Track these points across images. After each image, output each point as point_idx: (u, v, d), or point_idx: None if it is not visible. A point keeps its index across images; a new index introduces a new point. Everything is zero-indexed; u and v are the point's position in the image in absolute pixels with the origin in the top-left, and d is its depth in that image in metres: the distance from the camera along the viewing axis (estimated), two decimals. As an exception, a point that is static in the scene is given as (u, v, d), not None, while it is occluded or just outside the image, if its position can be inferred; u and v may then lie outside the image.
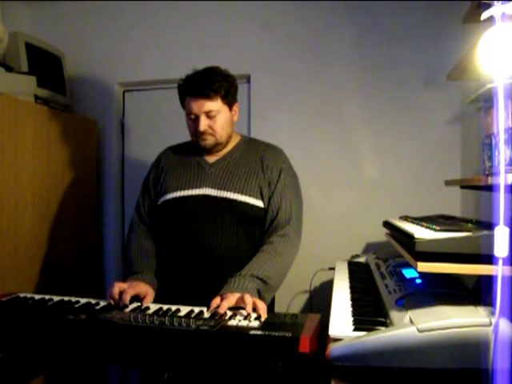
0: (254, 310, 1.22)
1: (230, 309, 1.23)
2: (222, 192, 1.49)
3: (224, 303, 1.22)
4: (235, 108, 1.56)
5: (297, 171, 2.38)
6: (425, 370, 0.91)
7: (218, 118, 1.48)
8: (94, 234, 2.57)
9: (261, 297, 1.32)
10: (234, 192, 1.48)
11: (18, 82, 2.12)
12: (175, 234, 1.52)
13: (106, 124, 2.67)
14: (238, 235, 1.48)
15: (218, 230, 1.47)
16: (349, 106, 2.34)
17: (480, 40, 1.12)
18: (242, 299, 1.24)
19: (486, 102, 1.40)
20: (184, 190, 1.52)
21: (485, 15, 0.97)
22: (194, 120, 1.49)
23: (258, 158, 1.56)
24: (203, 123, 1.47)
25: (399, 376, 0.92)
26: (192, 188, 1.51)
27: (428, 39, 2.23)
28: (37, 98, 2.21)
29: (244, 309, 1.22)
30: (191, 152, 1.59)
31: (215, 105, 1.47)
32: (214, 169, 1.54)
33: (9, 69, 2.11)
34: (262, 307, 1.23)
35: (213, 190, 1.50)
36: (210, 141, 1.51)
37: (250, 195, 1.49)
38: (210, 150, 1.55)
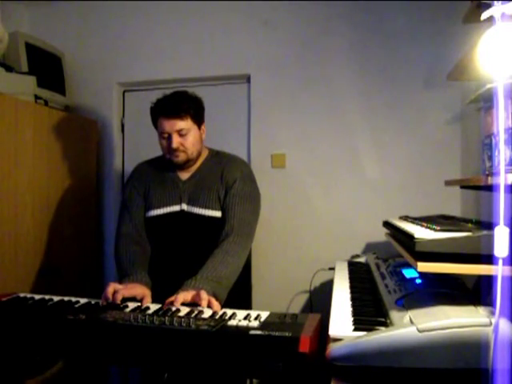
0: (209, 307, 1.27)
1: (186, 305, 1.27)
2: (192, 208, 1.65)
3: (179, 297, 1.27)
4: (203, 127, 1.70)
5: (297, 171, 2.40)
6: (425, 369, 0.91)
7: (189, 136, 1.61)
8: (93, 234, 2.57)
9: (216, 297, 1.36)
10: (200, 207, 1.64)
11: (18, 82, 2.12)
12: (159, 245, 1.67)
13: (106, 124, 2.67)
14: (210, 245, 1.56)
15: (191, 241, 1.63)
16: (349, 106, 2.34)
17: (480, 40, 1.12)
18: (197, 295, 1.29)
19: (486, 102, 1.40)
20: (165, 206, 1.67)
21: (485, 15, 0.97)
22: (167, 139, 1.61)
23: (219, 172, 1.69)
24: (176, 141, 1.58)
25: (399, 376, 0.92)
26: (171, 205, 1.67)
27: (428, 39, 2.24)
28: (37, 97, 2.21)
29: (200, 305, 1.26)
30: (165, 169, 1.72)
31: (186, 123, 1.59)
32: (186, 186, 1.68)
33: (9, 69, 2.11)
34: (217, 306, 1.28)
35: (186, 206, 1.66)
36: (182, 157, 1.63)
37: (212, 208, 1.64)
38: (182, 166, 1.67)
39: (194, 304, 1.28)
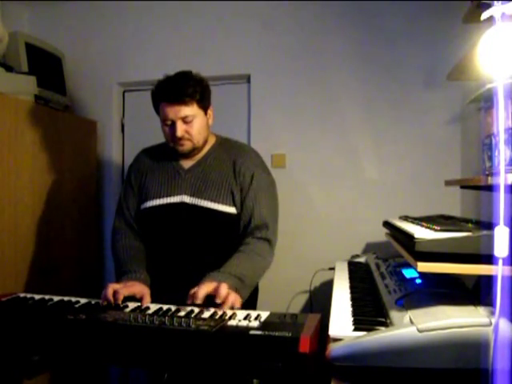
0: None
1: (205, 305, 1.24)
2: (197, 200, 1.51)
3: (200, 291, 1.23)
4: (210, 112, 1.56)
5: (297, 171, 2.40)
6: (425, 369, 0.91)
7: (195, 123, 1.48)
8: (93, 234, 2.57)
9: (237, 293, 1.34)
10: (208, 200, 1.51)
11: (18, 82, 2.12)
12: (157, 239, 1.57)
13: (106, 124, 2.67)
14: (214, 241, 1.52)
15: (194, 236, 1.51)
16: (349, 106, 2.34)
17: (480, 40, 1.12)
18: (217, 288, 1.25)
19: (486, 102, 1.39)
20: (163, 197, 1.55)
21: (485, 15, 0.97)
22: (170, 126, 1.48)
23: (230, 163, 1.56)
24: (180, 129, 1.46)
25: (399, 376, 0.92)
26: (170, 195, 1.54)
27: (428, 39, 2.23)
28: (37, 97, 2.21)
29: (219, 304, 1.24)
30: (167, 156, 1.59)
31: (191, 110, 1.46)
32: (189, 175, 1.56)
33: (9, 69, 2.11)
34: (234, 301, 1.24)
35: (189, 198, 1.52)
36: (187, 146, 1.51)
37: (222, 203, 1.51)
38: (187, 154, 1.56)
39: (211, 301, 1.25)
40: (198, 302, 1.21)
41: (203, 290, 1.23)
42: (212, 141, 1.62)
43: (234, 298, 1.27)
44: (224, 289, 1.24)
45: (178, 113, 1.45)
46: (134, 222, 1.61)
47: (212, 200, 1.51)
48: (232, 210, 1.53)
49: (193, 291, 1.26)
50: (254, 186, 1.53)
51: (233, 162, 1.56)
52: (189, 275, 1.42)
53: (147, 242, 1.59)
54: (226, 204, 1.51)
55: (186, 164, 1.58)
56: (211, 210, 1.50)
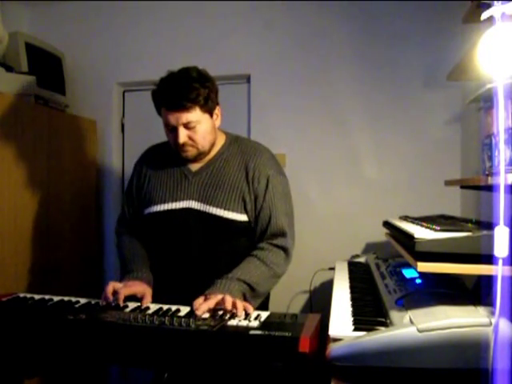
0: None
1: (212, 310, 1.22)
2: (206, 206, 1.42)
3: (203, 306, 1.20)
4: (217, 112, 1.45)
5: (297, 171, 2.39)
6: (425, 369, 0.91)
7: (199, 129, 1.38)
8: (93, 234, 2.57)
9: (246, 300, 1.29)
10: (217, 207, 1.41)
11: (18, 82, 2.12)
12: (162, 246, 1.50)
13: (106, 124, 2.67)
14: (223, 249, 1.44)
15: (202, 243, 1.43)
16: (349, 106, 2.34)
17: (480, 40, 1.12)
18: (222, 301, 1.22)
19: (485, 102, 1.40)
20: (168, 202, 1.46)
21: (485, 15, 0.97)
22: (172, 131, 1.39)
23: (242, 166, 1.46)
24: (182, 135, 1.36)
25: (399, 376, 0.92)
26: (176, 200, 1.45)
27: (428, 39, 2.24)
28: (36, 97, 2.21)
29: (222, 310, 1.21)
30: (174, 156, 1.48)
31: (194, 115, 1.35)
32: (197, 178, 1.46)
33: (9, 69, 2.11)
34: (241, 307, 1.20)
35: (196, 203, 1.43)
36: (191, 152, 1.42)
37: (233, 210, 1.42)
38: (193, 159, 1.47)
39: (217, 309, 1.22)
40: (201, 316, 1.18)
41: (205, 307, 1.20)
42: (222, 140, 1.52)
43: (243, 304, 1.22)
44: (229, 301, 1.20)
45: (180, 119, 1.34)
46: (134, 227, 1.58)
47: (221, 207, 1.41)
48: (243, 217, 1.44)
49: (197, 305, 1.22)
50: (270, 191, 1.44)
51: (245, 166, 1.45)
52: (194, 283, 1.38)
53: (151, 247, 1.54)
54: (236, 211, 1.42)
55: (194, 166, 1.48)
56: (220, 217, 1.41)
